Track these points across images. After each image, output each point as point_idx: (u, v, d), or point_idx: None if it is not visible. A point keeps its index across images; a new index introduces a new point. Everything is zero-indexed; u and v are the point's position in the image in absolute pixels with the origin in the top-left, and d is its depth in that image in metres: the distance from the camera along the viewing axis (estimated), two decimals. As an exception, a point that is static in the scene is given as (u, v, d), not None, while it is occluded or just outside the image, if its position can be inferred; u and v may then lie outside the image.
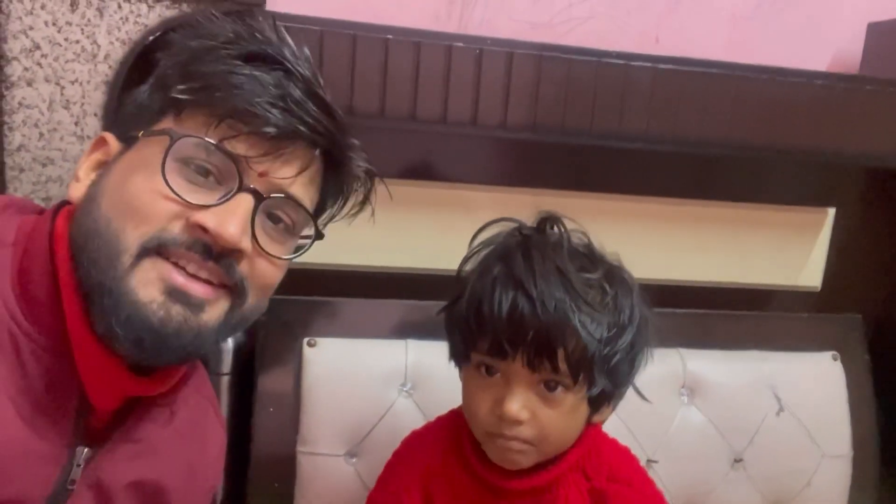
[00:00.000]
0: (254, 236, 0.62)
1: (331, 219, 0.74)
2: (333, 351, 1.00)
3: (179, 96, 0.61)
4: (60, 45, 0.88)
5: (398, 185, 1.07)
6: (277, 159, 0.62)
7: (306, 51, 0.67)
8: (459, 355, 0.75)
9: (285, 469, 0.98)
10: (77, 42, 0.88)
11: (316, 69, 0.66)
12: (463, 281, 0.75)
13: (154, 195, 0.59)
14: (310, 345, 1.00)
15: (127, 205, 0.59)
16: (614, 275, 0.73)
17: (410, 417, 0.96)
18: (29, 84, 0.88)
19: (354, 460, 0.97)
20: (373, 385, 0.99)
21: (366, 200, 0.74)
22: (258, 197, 0.62)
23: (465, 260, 0.77)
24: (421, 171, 1.10)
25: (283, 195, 0.64)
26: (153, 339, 0.58)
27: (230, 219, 0.59)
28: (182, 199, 0.59)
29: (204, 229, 0.59)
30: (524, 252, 0.70)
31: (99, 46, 0.89)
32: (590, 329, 0.67)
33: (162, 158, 0.59)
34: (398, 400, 0.99)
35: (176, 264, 0.59)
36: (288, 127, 0.62)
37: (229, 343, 0.99)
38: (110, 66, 0.89)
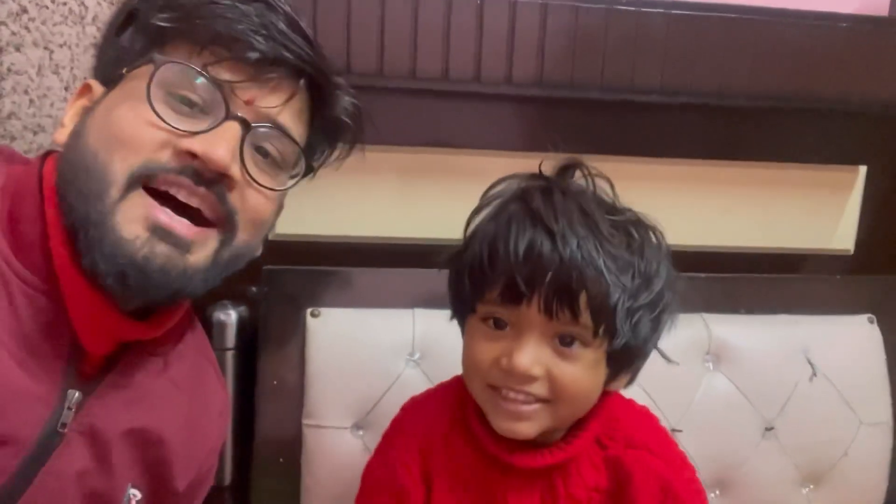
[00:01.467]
0: (243, 165, 0.62)
1: (322, 163, 0.73)
2: (338, 321, 0.96)
3: (160, 24, 0.61)
4: (48, 8, 0.86)
5: (401, 153, 1.04)
6: (263, 86, 0.62)
7: None
8: (465, 306, 0.69)
9: (291, 444, 0.94)
10: (65, 4, 0.86)
11: (297, 7, 0.65)
12: (472, 231, 0.70)
13: (140, 123, 0.59)
14: (313, 315, 0.96)
15: (114, 136, 0.59)
16: (642, 225, 0.68)
17: (419, 388, 0.90)
18: (17, 49, 0.86)
19: (361, 433, 0.94)
20: (379, 355, 0.95)
21: (356, 139, 0.73)
22: (245, 125, 0.61)
23: (476, 211, 0.71)
24: (424, 138, 1.05)
25: (270, 125, 0.63)
26: (137, 274, 0.58)
27: (218, 142, 0.59)
28: (169, 125, 0.59)
29: (192, 155, 0.59)
30: (544, 191, 0.65)
31: (86, 7, 0.87)
32: (615, 273, 0.62)
33: (147, 86, 0.59)
34: (406, 370, 0.95)
35: (165, 195, 0.59)
36: (271, 52, 0.61)
37: (232, 317, 0.97)
38: (99, 28, 0.87)
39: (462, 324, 0.72)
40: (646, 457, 0.70)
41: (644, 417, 0.75)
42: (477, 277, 0.65)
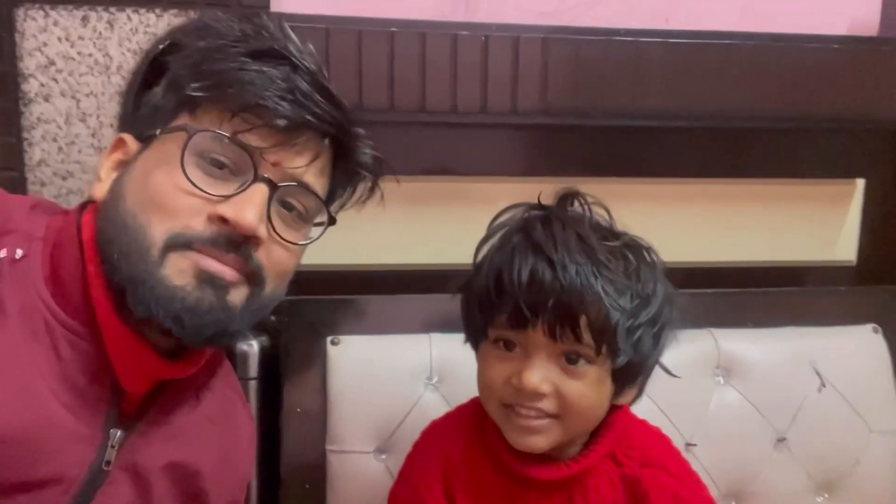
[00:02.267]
0: (269, 223, 0.65)
1: (342, 206, 0.76)
2: (357, 348, 0.99)
3: (194, 94, 0.64)
4: (74, 60, 0.90)
5: (412, 182, 1.08)
6: (290, 150, 0.65)
7: (310, 46, 0.69)
8: (477, 331, 0.73)
9: (316, 469, 0.96)
10: (90, 55, 0.91)
11: (320, 62, 0.69)
12: (480, 261, 0.73)
13: (176, 190, 0.62)
14: (333, 343, 0.99)
15: (151, 200, 0.62)
16: (637, 248, 0.72)
17: (438, 411, 0.93)
18: (46, 99, 0.91)
19: (384, 456, 0.96)
20: (399, 380, 0.97)
21: (374, 186, 0.76)
22: (272, 186, 0.64)
23: (483, 242, 0.75)
24: (434, 167, 1.09)
25: (295, 183, 0.66)
26: (190, 317, 0.61)
27: (247, 207, 0.62)
28: (202, 190, 0.62)
29: (223, 220, 0.62)
30: (544, 222, 0.69)
31: (111, 58, 0.91)
32: (613, 296, 0.65)
33: (181, 153, 0.62)
34: (425, 394, 0.97)
35: (201, 252, 0.62)
36: (298, 118, 0.64)
37: (255, 347, 0.99)
38: (123, 77, 0.91)
39: (476, 348, 0.75)
40: (662, 476, 0.72)
41: (658, 437, 0.78)
42: (486, 305, 0.70)
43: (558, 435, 0.69)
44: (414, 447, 0.81)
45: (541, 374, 0.66)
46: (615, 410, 0.74)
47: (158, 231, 0.61)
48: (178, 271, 0.61)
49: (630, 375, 0.71)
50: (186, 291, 0.61)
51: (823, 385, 1.04)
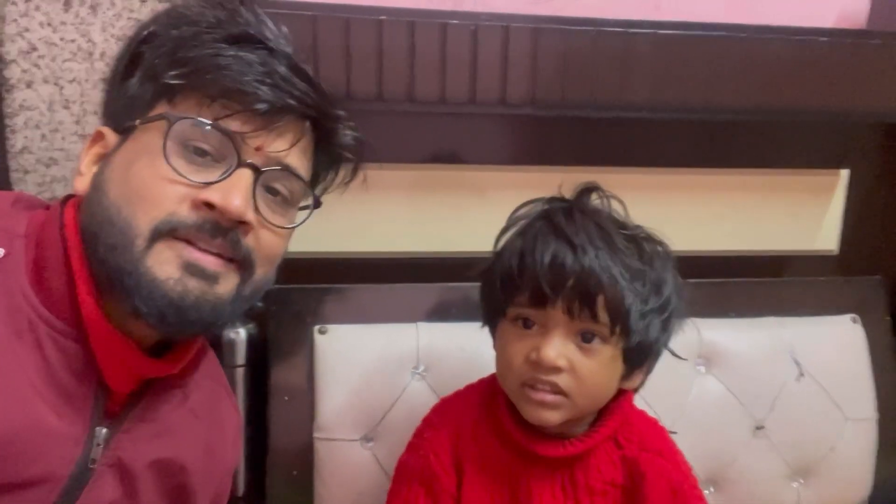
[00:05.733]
0: (256, 208, 0.64)
1: (325, 189, 0.76)
2: (344, 337, 1.00)
3: (171, 82, 0.63)
4: (57, 45, 0.89)
5: (400, 171, 1.07)
6: (271, 133, 0.65)
7: (284, 29, 0.69)
8: (497, 311, 0.76)
9: (303, 456, 0.98)
10: (73, 41, 0.89)
11: (296, 46, 0.69)
12: (502, 247, 0.77)
13: (159, 180, 0.61)
14: (321, 332, 1.00)
15: (134, 192, 0.61)
16: (651, 240, 0.76)
17: (424, 399, 0.95)
18: (28, 86, 0.89)
19: (371, 444, 0.98)
20: (385, 369, 0.99)
21: (357, 167, 0.76)
22: (256, 170, 0.64)
23: (503, 232, 0.78)
24: (422, 156, 1.09)
25: (279, 167, 0.66)
26: (174, 312, 0.61)
27: (234, 192, 0.62)
28: (186, 178, 0.61)
29: (210, 206, 0.61)
30: (566, 211, 0.74)
31: (94, 44, 0.89)
32: (627, 280, 0.70)
33: (162, 142, 0.62)
34: (411, 383, 0.98)
35: (188, 241, 0.62)
36: (278, 101, 0.64)
37: (242, 335, 1.00)
38: (107, 64, 0.90)
39: (493, 330, 0.79)
40: (657, 460, 0.77)
41: (655, 426, 0.82)
42: (508, 285, 0.73)
43: (570, 412, 0.73)
44: (424, 421, 0.84)
45: (558, 350, 0.70)
46: (620, 397, 0.78)
47: (143, 221, 0.60)
48: (162, 262, 0.60)
49: (639, 357, 0.75)
50: (170, 286, 0.60)
51: (802, 374, 1.07)
